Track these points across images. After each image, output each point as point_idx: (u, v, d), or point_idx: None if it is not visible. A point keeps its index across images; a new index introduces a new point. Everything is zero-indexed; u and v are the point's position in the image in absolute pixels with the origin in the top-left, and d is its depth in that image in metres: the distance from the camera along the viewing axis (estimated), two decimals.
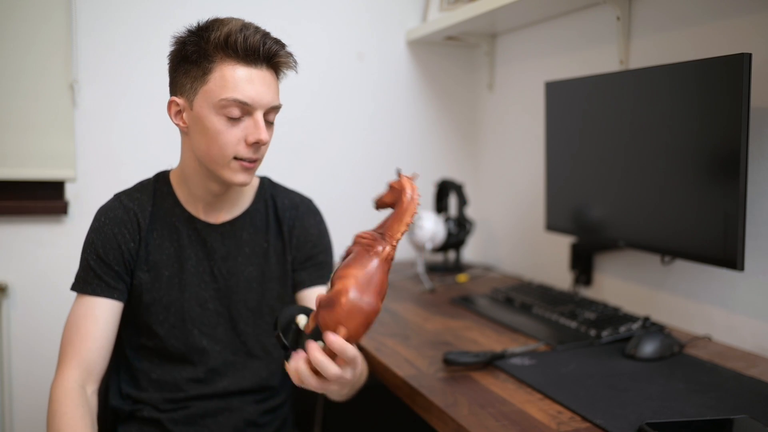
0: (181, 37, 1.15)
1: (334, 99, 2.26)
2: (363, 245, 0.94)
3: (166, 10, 2.04)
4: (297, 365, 0.92)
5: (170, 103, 1.18)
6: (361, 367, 1.13)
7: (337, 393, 1.01)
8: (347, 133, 2.30)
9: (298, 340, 0.99)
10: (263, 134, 1.13)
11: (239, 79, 1.11)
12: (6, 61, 1.87)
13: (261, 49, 1.12)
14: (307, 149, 2.23)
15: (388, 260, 0.93)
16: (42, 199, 1.96)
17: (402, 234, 0.94)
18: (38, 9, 1.88)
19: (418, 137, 2.40)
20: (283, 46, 1.16)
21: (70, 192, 1.97)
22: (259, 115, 1.13)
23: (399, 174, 0.99)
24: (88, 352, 1.15)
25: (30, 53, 1.88)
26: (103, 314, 1.18)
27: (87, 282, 1.19)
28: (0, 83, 1.87)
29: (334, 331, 0.89)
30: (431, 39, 2.30)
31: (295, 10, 2.18)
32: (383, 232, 0.95)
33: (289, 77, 2.26)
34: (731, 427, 0.99)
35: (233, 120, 1.12)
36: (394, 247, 0.93)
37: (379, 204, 0.99)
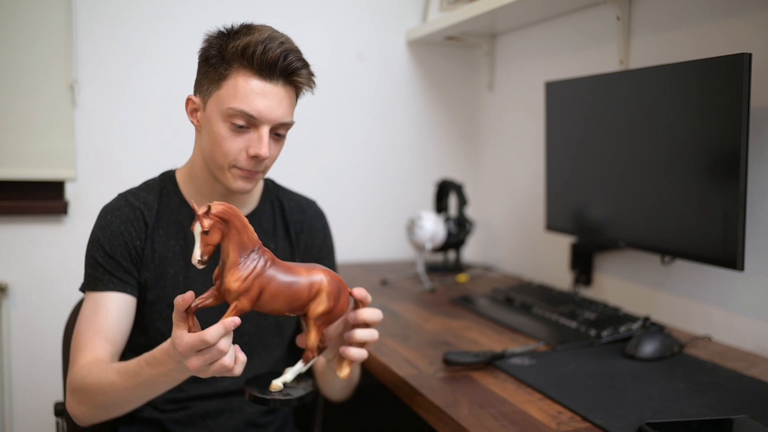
0: (210, 37, 1.15)
1: (334, 99, 2.26)
2: (263, 268, 0.92)
3: (166, 10, 2.04)
4: (354, 353, 1.05)
5: (187, 100, 1.18)
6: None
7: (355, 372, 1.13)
8: (347, 133, 2.30)
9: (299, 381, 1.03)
10: (264, 149, 1.12)
11: (250, 92, 1.10)
12: (6, 61, 1.87)
13: (279, 64, 1.10)
14: (307, 149, 2.23)
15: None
16: (42, 199, 1.96)
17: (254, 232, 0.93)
18: (38, 9, 1.88)
19: (418, 137, 2.40)
20: (305, 65, 1.14)
21: (70, 192, 1.97)
22: (264, 130, 1.12)
23: (203, 214, 0.88)
24: (100, 342, 1.12)
25: (30, 53, 1.88)
26: (116, 308, 1.15)
27: (97, 279, 1.17)
28: (0, 83, 1.87)
29: (348, 302, 1.01)
30: (431, 39, 2.30)
31: (295, 10, 2.18)
32: (251, 247, 0.92)
33: None
34: (731, 427, 0.99)
35: (238, 129, 1.12)
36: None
37: (212, 246, 0.89)
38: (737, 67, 1.22)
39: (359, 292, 1.04)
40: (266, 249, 0.95)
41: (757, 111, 1.34)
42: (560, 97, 1.76)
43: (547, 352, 1.36)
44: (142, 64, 2.01)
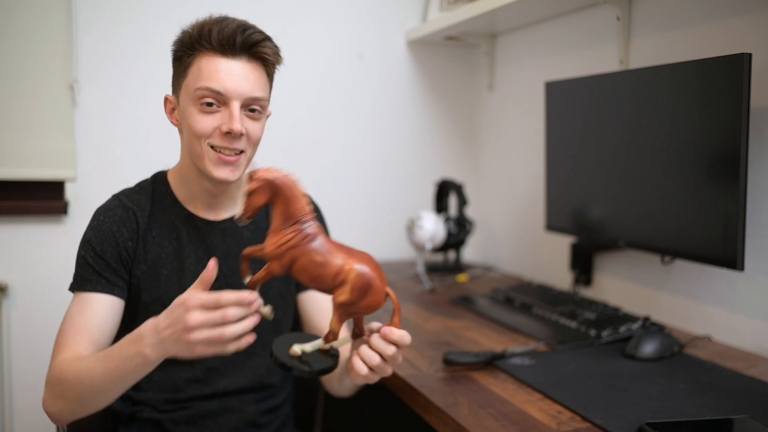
0: (175, 40, 1.18)
1: (334, 99, 2.26)
2: (299, 241, 0.94)
3: (166, 10, 2.03)
4: (359, 367, 1.00)
5: (165, 101, 1.21)
6: None
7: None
8: (347, 133, 2.30)
9: (309, 361, 1.02)
10: (236, 125, 1.11)
11: (214, 70, 1.11)
12: (6, 61, 1.87)
13: (237, 38, 1.11)
14: (307, 149, 2.23)
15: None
16: (42, 199, 1.96)
17: (308, 205, 0.96)
18: (38, 9, 1.88)
19: (418, 137, 2.40)
20: (265, 37, 1.15)
21: (70, 192, 1.97)
22: (234, 105, 1.12)
23: (250, 174, 0.94)
24: (83, 341, 1.11)
25: (30, 53, 1.88)
26: (101, 309, 1.15)
27: (86, 279, 1.17)
28: (0, 83, 1.87)
29: (380, 302, 0.96)
30: (431, 39, 2.30)
31: (295, 10, 2.18)
32: (296, 219, 0.94)
33: (290, 77, 2.25)
34: (731, 427, 0.99)
35: (209, 109, 1.12)
36: (314, 218, 0.97)
37: (253, 209, 0.95)
38: (737, 67, 1.22)
39: (399, 333, 0.99)
40: (319, 225, 0.97)
41: (757, 111, 1.34)
42: (560, 97, 1.76)
43: (547, 352, 1.36)
44: (142, 64, 2.01)
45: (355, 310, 0.97)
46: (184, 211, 1.25)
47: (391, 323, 1.00)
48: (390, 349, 0.99)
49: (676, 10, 1.55)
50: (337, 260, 0.95)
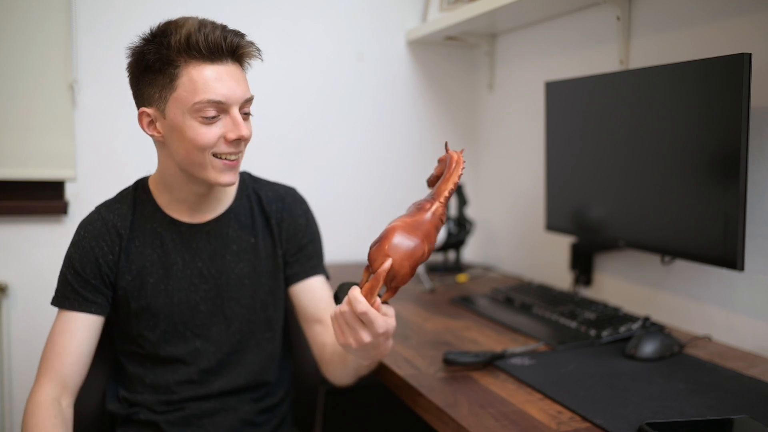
0: (137, 47, 1.13)
1: (334, 99, 2.26)
2: (416, 206, 1.03)
3: (167, 10, 2.02)
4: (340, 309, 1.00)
5: (140, 114, 1.16)
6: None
7: (359, 354, 1.05)
8: (347, 133, 2.30)
9: None
10: (243, 130, 1.12)
11: (208, 79, 1.10)
12: (6, 61, 1.87)
13: (224, 44, 1.11)
14: (307, 149, 2.23)
15: (437, 215, 1.02)
16: (42, 199, 1.96)
17: (450, 192, 1.03)
18: (38, 9, 1.88)
19: (418, 137, 2.40)
20: (243, 36, 1.15)
21: (70, 192, 1.97)
22: (234, 111, 1.12)
23: (446, 147, 1.07)
24: (62, 366, 1.16)
25: (30, 53, 1.88)
26: (79, 329, 1.18)
27: (65, 297, 1.19)
28: (0, 83, 1.87)
29: (381, 264, 0.95)
30: (431, 39, 2.30)
31: (296, 10, 2.18)
32: (434, 194, 1.05)
33: (290, 77, 2.25)
34: (731, 427, 0.99)
35: (209, 120, 1.11)
36: (442, 204, 1.03)
37: (431, 181, 1.08)
38: (737, 67, 1.22)
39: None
40: (436, 209, 1.02)
41: (757, 111, 1.34)
42: (560, 97, 1.76)
43: (547, 352, 1.36)
44: None
45: (369, 256, 1.00)
46: (167, 217, 1.24)
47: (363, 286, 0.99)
48: (342, 308, 0.98)
49: (676, 10, 1.55)
50: (398, 220, 1.01)
